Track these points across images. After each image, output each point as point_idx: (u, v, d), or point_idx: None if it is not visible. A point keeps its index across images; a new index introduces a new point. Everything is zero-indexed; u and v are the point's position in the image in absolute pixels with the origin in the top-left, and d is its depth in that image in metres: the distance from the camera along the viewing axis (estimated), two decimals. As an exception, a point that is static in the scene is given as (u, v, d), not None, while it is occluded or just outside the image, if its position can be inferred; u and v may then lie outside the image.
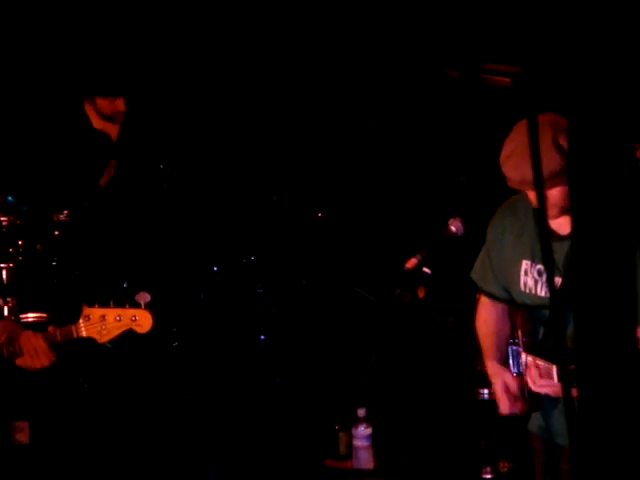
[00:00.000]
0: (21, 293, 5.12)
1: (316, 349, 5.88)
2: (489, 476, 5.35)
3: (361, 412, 5.31)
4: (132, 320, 4.01)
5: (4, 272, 5.14)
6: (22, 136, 5.57)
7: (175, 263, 5.57)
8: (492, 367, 3.58)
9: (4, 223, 5.20)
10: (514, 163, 3.23)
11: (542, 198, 1.85)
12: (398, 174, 6.03)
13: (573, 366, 3.07)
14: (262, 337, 5.87)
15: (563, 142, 3.13)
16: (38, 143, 5.48)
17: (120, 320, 4.01)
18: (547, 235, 1.74)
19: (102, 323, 4.01)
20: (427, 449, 5.42)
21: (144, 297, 4.02)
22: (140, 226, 5.48)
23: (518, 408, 3.48)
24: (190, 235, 5.69)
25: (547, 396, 3.40)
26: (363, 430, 5.30)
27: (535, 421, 3.60)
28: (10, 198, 5.30)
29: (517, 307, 3.54)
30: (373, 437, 5.28)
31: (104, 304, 4.04)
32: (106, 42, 5.80)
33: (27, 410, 5.04)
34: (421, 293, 4.22)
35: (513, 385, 3.46)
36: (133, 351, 5.26)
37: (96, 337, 4.04)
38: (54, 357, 4.11)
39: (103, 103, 5.38)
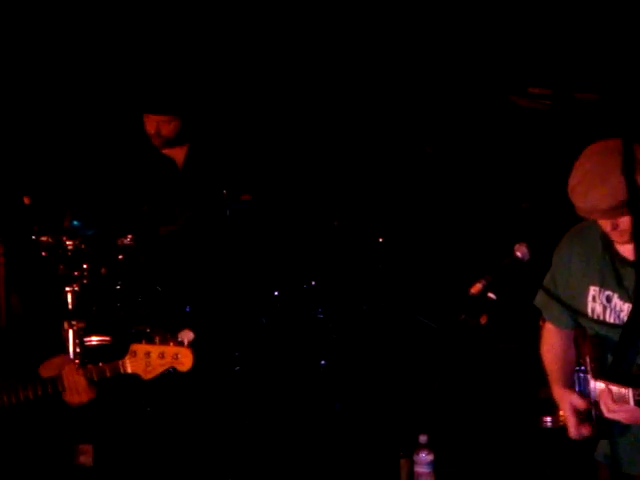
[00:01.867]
0: (86, 317, 5.17)
1: (377, 375, 5.86)
2: (553, 505, 5.30)
3: (423, 438, 5.28)
4: (174, 358, 4.04)
5: (69, 295, 5.20)
6: (89, 161, 5.65)
7: (238, 288, 5.59)
8: (559, 391, 3.55)
9: (69, 247, 5.27)
10: (583, 191, 3.20)
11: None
12: (463, 199, 6.01)
13: None
14: (323, 362, 5.87)
15: (631, 170, 3.10)
16: (105, 168, 5.55)
17: (163, 357, 4.04)
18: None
19: (147, 360, 4.04)
20: (490, 477, 5.38)
21: (188, 335, 4.05)
22: (203, 250, 5.52)
23: (587, 430, 3.43)
24: (252, 260, 5.72)
25: (617, 423, 3.35)
26: (425, 457, 5.26)
27: (602, 449, 3.56)
28: (76, 222, 5.37)
29: (584, 333, 3.50)
30: (435, 464, 5.25)
31: (150, 341, 4.07)
32: (166, 61, 5.89)
33: (91, 433, 5.08)
34: (483, 319, 4.20)
35: (581, 406, 3.41)
36: (194, 374, 5.29)
37: (141, 374, 4.06)
38: (94, 394, 4.08)
39: (163, 125, 5.45)
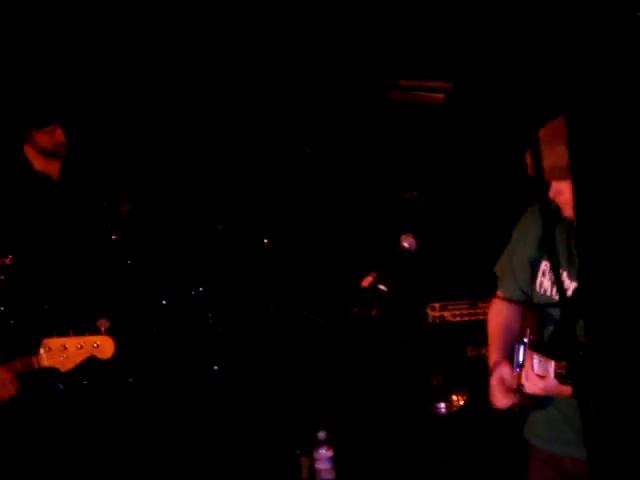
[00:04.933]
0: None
1: (271, 376, 5.88)
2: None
3: (322, 435, 5.33)
4: (94, 347, 4.05)
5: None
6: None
7: (126, 298, 5.54)
8: (494, 359, 3.55)
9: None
10: (547, 149, 3.22)
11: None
12: (345, 195, 6.07)
13: (566, 363, 3.09)
14: (215, 367, 5.85)
15: None
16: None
17: (82, 348, 4.04)
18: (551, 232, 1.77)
19: (64, 352, 4.05)
20: (388, 466, 5.44)
21: (104, 324, 4.06)
22: (86, 266, 5.45)
23: (510, 402, 3.45)
24: (138, 269, 5.67)
25: (544, 399, 3.40)
26: (324, 453, 5.31)
27: (531, 426, 3.62)
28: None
29: (530, 307, 3.55)
30: (335, 459, 5.30)
31: (62, 333, 4.06)
32: (37, 70, 5.79)
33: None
34: (374, 311, 4.25)
35: (509, 379, 3.43)
36: (87, 388, 5.23)
37: (58, 366, 4.09)
38: (19, 386, 4.21)
39: (42, 138, 5.35)
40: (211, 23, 5.94)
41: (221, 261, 5.97)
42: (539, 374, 3.27)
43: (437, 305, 5.50)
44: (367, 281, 3.78)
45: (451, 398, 5.52)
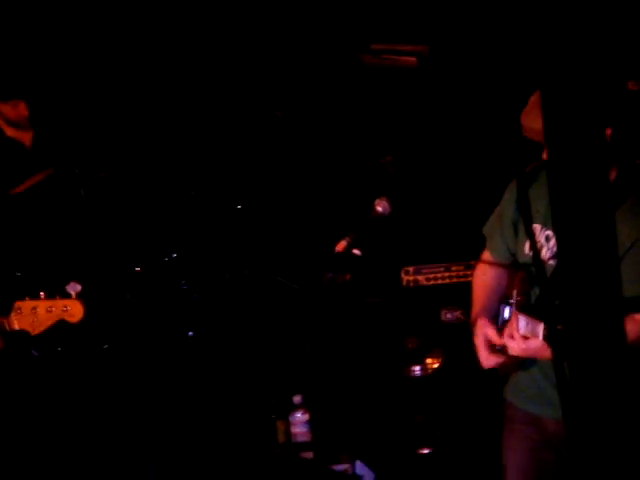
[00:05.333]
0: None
1: (245, 341, 5.89)
2: (426, 451, 5.44)
3: (297, 399, 5.35)
4: (63, 310, 4.07)
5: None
6: None
7: (99, 266, 5.53)
8: (478, 319, 3.55)
9: None
10: (528, 114, 3.27)
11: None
12: (318, 160, 6.06)
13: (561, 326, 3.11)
14: (190, 333, 5.85)
15: None
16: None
17: (52, 311, 4.06)
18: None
19: (34, 315, 4.07)
20: (364, 429, 5.48)
21: (75, 287, 4.07)
22: (59, 233, 5.44)
23: (495, 362, 3.45)
24: (111, 237, 5.65)
25: (526, 361, 3.41)
26: (300, 416, 5.34)
27: (510, 387, 3.64)
28: None
29: (517, 269, 3.55)
30: (310, 423, 5.33)
31: (34, 296, 4.06)
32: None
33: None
34: (348, 276, 4.25)
35: (494, 339, 3.44)
36: (62, 354, 5.23)
37: (29, 329, 4.11)
38: (2, 344, 4.18)
39: (5, 109, 5.37)
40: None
41: (194, 227, 5.96)
42: (525, 335, 3.28)
43: (411, 269, 5.52)
44: (341, 245, 3.78)
45: (425, 361, 5.55)
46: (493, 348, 3.44)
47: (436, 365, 5.53)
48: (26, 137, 5.49)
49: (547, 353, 3.22)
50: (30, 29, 5.89)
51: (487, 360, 3.46)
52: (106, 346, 5.48)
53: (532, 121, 3.24)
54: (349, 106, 6.01)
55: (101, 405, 5.40)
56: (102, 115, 6.12)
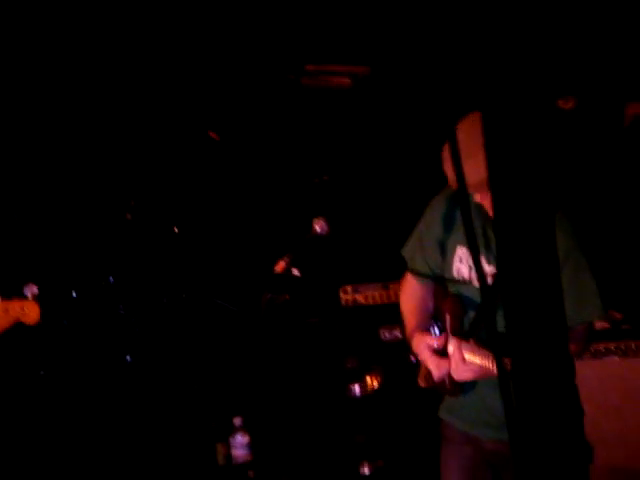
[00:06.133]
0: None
1: (184, 365, 5.85)
2: (367, 471, 5.45)
3: (237, 421, 5.33)
4: (20, 311, 4.05)
5: None
6: None
7: (37, 292, 5.47)
8: (416, 337, 3.55)
9: None
10: (451, 163, 3.21)
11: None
12: (255, 180, 6.06)
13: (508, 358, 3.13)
14: (128, 358, 5.81)
15: None
16: None
17: (8, 312, 4.04)
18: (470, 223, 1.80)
19: None
20: (305, 450, 5.47)
21: (32, 289, 4.05)
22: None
23: (447, 367, 3.42)
24: (47, 262, 5.59)
25: (466, 384, 3.42)
26: (241, 439, 5.33)
27: (446, 407, 3.64)
28: None
29: (445, 291, 3.55)
30: (251, 445, 5.31)
31: None
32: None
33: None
34: (286, 296, 4.27)
35: (438, 344, 3.44)
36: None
37: None
38: None
39: None
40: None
41: (131, 250, 5.92)
42: (469, 361, 3.30)
43: (349, 288, 5.54)
44: (280, 266, 3.80)
45: (365, 380, 5.56)
46: (439, 355, 3.45)
47: (376, 384, 5.54)
48: None
49: (487, 373, 3.26)
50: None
51: (439, 367, 3.45)
52: (42, 372, 5.42)
53: (450, 172, 3.19)
54: (285, 126, 6.03)
55: (41, 433, 5.34)
56: (38, 127, 6.05)
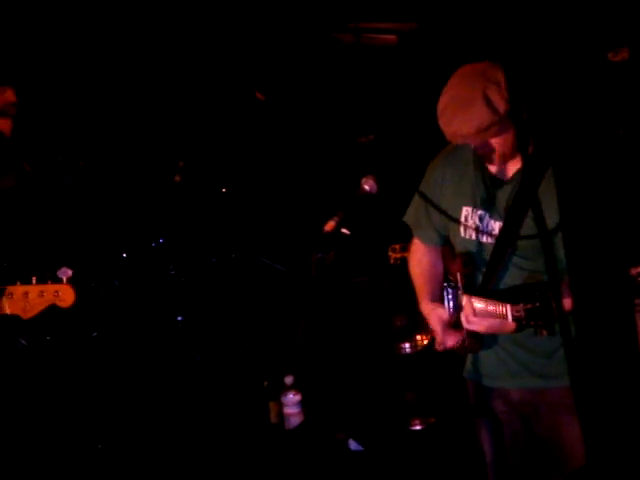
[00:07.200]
0: None
1: (234, 324, 5.90)
2: (418, 427, 5.47)
3: (289, 380, 5.36)
4: (55, 295, 4.08)
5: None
6: None
7: (86, 253, 5.53)
8: (426, 305, 3.59)
9: None
10: (448, 116, 3.20)
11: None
12: (302, 140, 6.06)
13: (523, 305, 3.12)
14: (179, 318, 5.86)
15: (493, 95, 3.13)
16: None
17: (43, 296, 4.08)
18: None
19: (25, 300, 4.08)
20: (355, 408, 5.50)
21: (66, 272, 4.08)
22: (47, 219, 5.44)
23: (453, 341, 3.49)
24: (98, 224, 5.65)
25: (485, 337, 3.43)
26: (292, 397, 5.35)
27: (469, 366, 3.66)
28: None
29: (453, 251, 3.56)
30: (303, 403, 5.34)
31: (26, 281, 4.07)
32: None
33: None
34: (332, 254, 4.26)
35: (448, 318, 3.47)
36: (50, 343, 5.23)
37: (20, 314, 4.12)
38: None
39: None
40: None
41: (180, 212, 5.96)
42: (483, 316, 3.30)
43: (398, 246, 5.53)
44: (330, 225, 3.78)
45: (415, 338, 5.57)
46: (449, 327, 3.48)
47: (426, 342, 5.54)
48: (5, 125, 5.45)
49: (509, 328, 3.25)
50: (17, 18, 5.86)
51: (448, 339, 3.49)
52: (95, 334, 5.48)
53: (446, 125, 3.21)
54: (331, 86, 6.01)
55: (91, 393, 5.41)
56: (83, 103, 6.10)
